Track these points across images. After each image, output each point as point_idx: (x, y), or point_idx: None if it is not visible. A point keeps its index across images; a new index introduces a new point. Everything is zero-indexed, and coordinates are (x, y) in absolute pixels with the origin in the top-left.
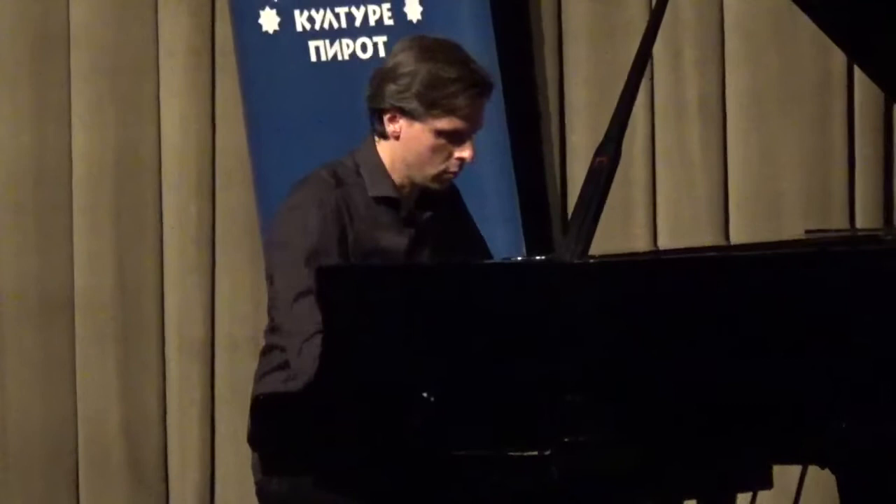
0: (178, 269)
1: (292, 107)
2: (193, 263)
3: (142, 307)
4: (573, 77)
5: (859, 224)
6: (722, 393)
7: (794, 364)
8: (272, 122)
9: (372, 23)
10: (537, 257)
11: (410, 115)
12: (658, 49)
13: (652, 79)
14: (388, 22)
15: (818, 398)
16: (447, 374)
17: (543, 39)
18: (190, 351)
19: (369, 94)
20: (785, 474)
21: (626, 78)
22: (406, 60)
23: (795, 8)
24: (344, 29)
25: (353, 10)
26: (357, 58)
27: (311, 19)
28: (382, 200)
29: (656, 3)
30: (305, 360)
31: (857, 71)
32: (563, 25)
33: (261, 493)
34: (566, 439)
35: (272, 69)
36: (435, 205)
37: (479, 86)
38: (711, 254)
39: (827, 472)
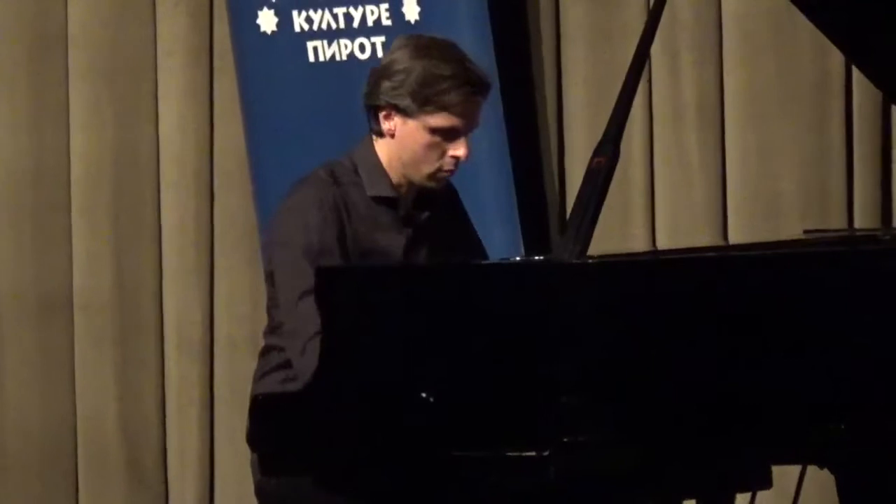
0: (176, 269)
1: (290, 107)
2: (192, 264)
3: (140, 307)
4: (571, 78)
5: (857, 224)
6: (720, 393)
7: (793, 364)
8: (270, 122)
9: (370, 23)
10: (536, 257)
11: (404, 113)
12: (656, 50)
13: (650, 79)
14: (386, 22)
15: (817, 398)
16: (446, 375)
17: (541, 40)
18: (189, 351)
19: (365, 92)
20: (784, 474)
21: (623, 78)
22: (401, 58)
23: (793, 8)
24: (342, 29)
25: (352, 10)
26: (355, 58)
27: (309, 20)
28: (380, 200)
29: (654, 4)
30: (309, 360)
31: (855, 71)
32: (561, 26)
33: (260, 493)
34: (565, 439)
35: (270, 69)
36: (433, 205)
37: (473, 83)
38: (710, 254)
39: (826, 472)
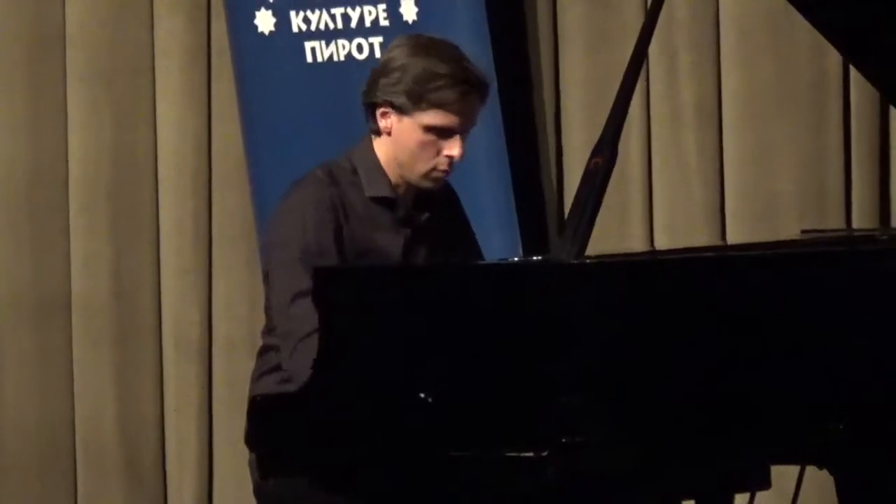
0: (174, 270)
1: (288, 107)
2: (190, 264)
3: (138, 308)
4: (569, 78)
5: (855, 224)
6: (718, 393)
7: (791, 364)
8: (268, 122)
9: (368, 23)
10: (534, 258)
11: (400, 110)
12: (654, 50)
13: (647, 80)
14: (384, 23)
15: (815, 398)
16: (444, 375)
17: (539, 41)
18: (187, 352)
19: (364, 90)
20: (783, 475)
21: (621, 79)
22: (399, 55)
23: (791, 9)
24: (340, 30)
25: (349, 10)
26: (353, 58)
27: (306, 20)
28: (379, 200)
29: (651, 5)
30: (297, 362)
31: (852, 71)
32: (559, 27)
33: (258, 493)
34: (563, 440)
35: (268, 70)
36: (432, 205)
37: (469, 82)
38: (708, 254)
39: (825, 472)
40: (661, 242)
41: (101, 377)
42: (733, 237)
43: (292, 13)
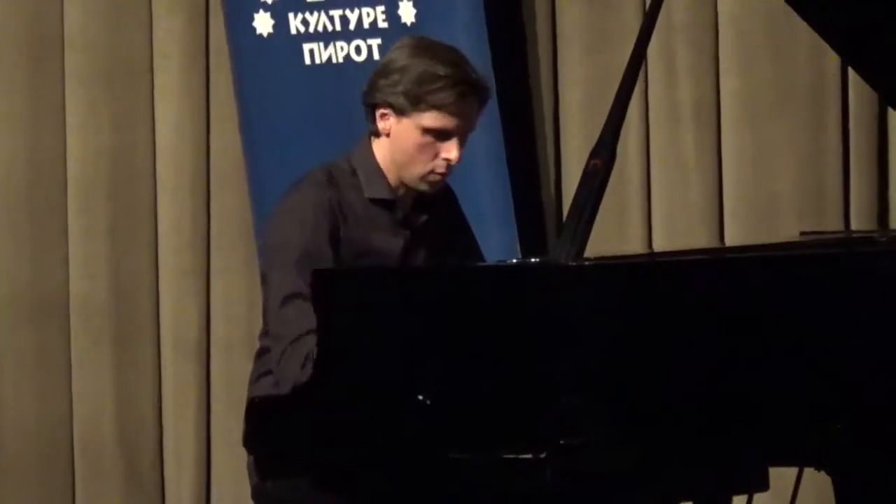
0: (172, 271)
1: (287, 109)
2: (188, 266)
3: (137, 309)
4: (567, 79)
5: (854, 226)
6: (717, 394)
7: (790, 366)
8: (266, 124)
9: (366, 25)
10: (532, 259)
11: (399, 111)
12: (652, 51)
13: (646, 81)
14: (383, 25)
15: (814, 399)
16: (443, 377)
17: (537, 42)
18: (185, 353)
19: (364, 91)
20: (781, 476)
21: (620, 80)
22: (399, 57)
23: (789, 10)
24: (338, 31)
25: (348, 12)
26: (351, 60)
27: (305, 22)
28: (378, 202)
29: (650, 6)
30: (286, 366)
31: (851, 72)
32: (558, 28)
33: (257, 495)
34: (562, 441)
35: (266, 72)
36: (431, 207)
37: (467, 84)
38: (706, 255)
39: (823, 474)
40: (660, 243)
41: (100, 377)
42: (732, 238)
43: (290, 15)
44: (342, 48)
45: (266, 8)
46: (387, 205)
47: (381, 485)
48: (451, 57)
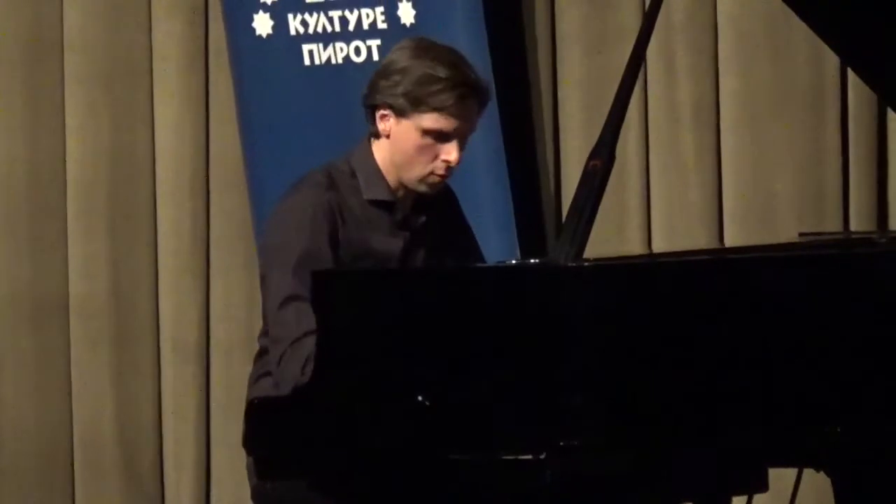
0: (172, 272)
1: (286, 110)
2: (188, 267)
3: (136, 311)
4: (567, 80)
5: (853, 227)
6: (717, 395)
7: (790, 366)
8: (266, 125)
9: (365, 26)
10: (532, 261)
11: (399, 112)
12: (651, 52)
13: (645, 82)
14: (382, 26)
15: (814, 400)
16: (443, 378)
17: (537, 43)
18: (185, 354)
19: (364, 92)
20: (780, 478)
21: (619, 82)
22: (400, 58)
23: (788, 10)
24: (337, 32)
25: (347, 13)
26: (351, 61)
27: (304, 23)
28: (377, 204)
29: (649, 7)
30: (285, 367)
31: (850, 73)
32: (557, 29)
33: (256, 496)
34: (561, 442)
35: (266, 73)
36: (431, 209)
37: (468, 86)
38: (706, 257)
39: (822, 475)
40: (659, 244)
41: (99, 379)
42: (731, 238)
43: (290, 16)
44: (341, 49)
45: (265, 9)
46: (386, 206)
47: (380, 486)
48: (452, 59)
